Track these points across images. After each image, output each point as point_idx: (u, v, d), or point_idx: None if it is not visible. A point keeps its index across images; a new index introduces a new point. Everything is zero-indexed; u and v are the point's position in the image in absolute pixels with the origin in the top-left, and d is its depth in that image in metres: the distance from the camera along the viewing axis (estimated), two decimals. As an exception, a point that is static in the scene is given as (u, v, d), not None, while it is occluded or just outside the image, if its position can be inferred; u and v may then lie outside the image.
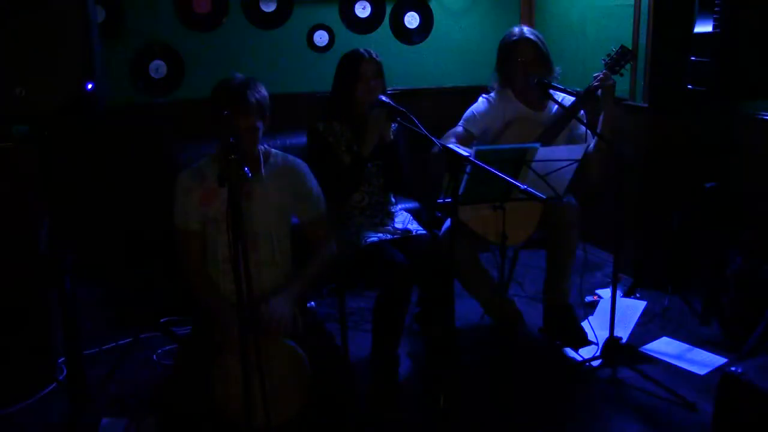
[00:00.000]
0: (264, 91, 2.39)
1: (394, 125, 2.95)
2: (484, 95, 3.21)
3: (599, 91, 3.00)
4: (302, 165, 2.55)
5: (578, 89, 3.05)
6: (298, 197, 2.51)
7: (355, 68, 2.80)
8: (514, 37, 3.09)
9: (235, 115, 2.28)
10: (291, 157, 2.55)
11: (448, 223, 3.09)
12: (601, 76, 2.97)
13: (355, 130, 2.86)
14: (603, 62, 3.02)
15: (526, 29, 3.11)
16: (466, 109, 3.20)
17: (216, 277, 2.42)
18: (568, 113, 3.03)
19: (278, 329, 2.22)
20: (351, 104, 2.83)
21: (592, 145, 3.08)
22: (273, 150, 2.53)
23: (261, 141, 2.43)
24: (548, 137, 3.02)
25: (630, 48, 3.01)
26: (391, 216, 2.99)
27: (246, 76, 2.39)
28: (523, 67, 3.06)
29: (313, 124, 2.88)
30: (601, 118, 3.05)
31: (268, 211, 2.43)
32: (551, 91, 3.02)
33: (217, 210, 2.33)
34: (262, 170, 2.43)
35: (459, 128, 3.12)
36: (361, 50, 2.85)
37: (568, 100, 3.10)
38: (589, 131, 3.11)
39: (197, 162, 2.49)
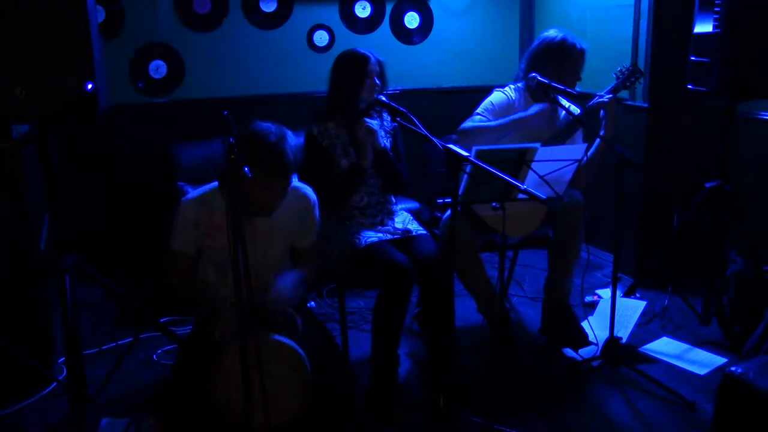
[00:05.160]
0: (293, 140, 2.33)
1: (389, 126, 2.96)
2: (498, 88, 3.19)
3: (602, 112, 3.01)
4: (311, 195, 2.53)
5: (579, 90, 3.05)
6: (303, 226, 2.52)
7: (361, 68, 2.81)
8: (578, 47, 3.04)
9: (274, 178, 2.25)
10: (302, 189, 2.52)
11: (448, 211, 3.08)
12: (605, 101, 2.98)
13: (351, 130, 2.87)
14: (614, 76, 3.03)
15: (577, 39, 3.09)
16: (468, 107, 3.18)
17: (218, 284, 2.43)
18: (578, 122, 3.03)
19: (280, 311, 2.23)
20: (353, 103, 2.84)
21: (588, 155, 3.08)
22: None
23: None
24: (557, 142, 3.03)
25: (636, 63, 3.01)
26: (391, 216, 2.99)
27: (277, 128, 2.29)
28: (575, 78, 3.06)
29: (308, 128, 2.88)
30: (601, 131, 3.05)
31: (274, 248, 2.44)
32: (559, 97, 3.02)
33: (221, 241, 2.29)
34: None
35: (477, 116, 3.07)
36: (362, 50, 2.86)
37: (574, 110, 3.13)
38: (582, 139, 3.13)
39: (201, 190, 2.43)
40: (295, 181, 2.49)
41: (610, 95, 3.02)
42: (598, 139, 3.05)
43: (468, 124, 3.03)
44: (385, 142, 2.93)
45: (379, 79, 2.83)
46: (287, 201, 2.44)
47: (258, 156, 2.18)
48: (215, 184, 2.40)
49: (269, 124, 2.30)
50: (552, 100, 3.00)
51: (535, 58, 3.09)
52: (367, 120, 2.79)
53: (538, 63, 3.07)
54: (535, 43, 3.14)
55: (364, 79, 2.80)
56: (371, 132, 2.78)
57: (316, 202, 2.55)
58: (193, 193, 2.44)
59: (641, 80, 3.12)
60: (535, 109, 3.01)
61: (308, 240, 2.56)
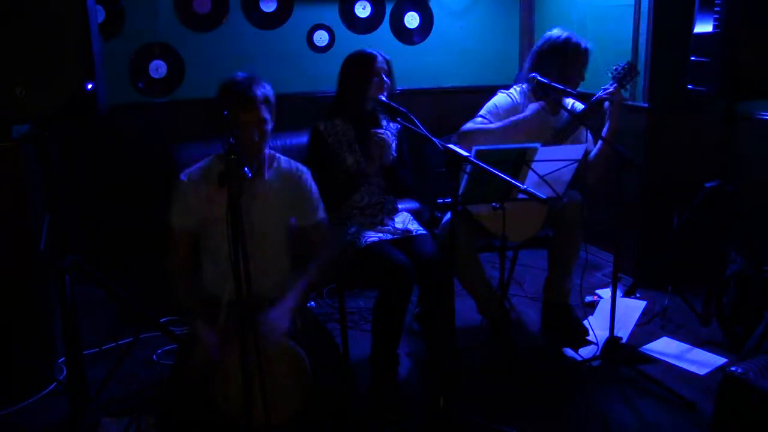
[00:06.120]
0: (270, 88, 2.40)
1: (394, 128, 2.97)
2: (502, 90, 3.19)
3: (606, 103, 3.01)
4: (304, 170, 2.55)
5: (579, 90, 3.05)
6: (298, 201, 2.51)
7: (370, 66, 2.82)
8: (583, 46, 3.05)
9: (242, 110, 2.29)
10: (294, 162, 2.55)
11: (448, 215, 3.08)
12: (611, 90, 2.99)
13: (358, 127, 2.88)
14: (610, 75, 3.03)
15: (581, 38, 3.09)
16: (468, 107, 3.18)
17: (215, 276, 2.42)
18: (577, 120, 3.03)
19: (274, 339, 2.23)
20: (361, 102, 2.85)
21: (594, 152, 3.09)
22: (277, 154, 2.54)
23: (269, 139, 2.41)
24: (557, 141, 3.03)
25: (634, 62, 3.00)
26: (391, 216, 2.99)
27: (248, 73, 2.39)
28: (579, 78, 3.06)
29: (315, 124, 2.90)
30: (606, 126, 3.05)
31: (268, 214, 2.43)
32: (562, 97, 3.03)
33: (222, 208, 2.33)
34: (266, 173, 2.43)
35: (479, 118, 3.07)
36: (369, 50, 2.87)
37: (578, 106, 3.13)
38: (590, 137, 3.12)
39: (200, 162, 2.48)
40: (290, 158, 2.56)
41: (615, 84, 3.01)
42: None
43: (469, 125, 3.03)
44: (392, 144, 2.94)
45: (387, 77, 2.85)
46: (278, 172, 2.47)
47: (226, 94, 2.31)
48: (210, 156, 2.48)
49: (242, 73, 2.40)
50: (553, 100, 3.00)
51: (539, 58, 3.09)
52: (380, 131, 2.79)
53: (542, 62, 3.07)
54: (539, 42, 3.14)
55: (372, 77, 2.82)
56: (382, 144, 2.77)
57: (310, 177, 2.55)
58: (189, 168, 2.48)
59: (637, 78, 3.12)
60: (530, 110, 3.01)
61: (312, 216, 2.54)
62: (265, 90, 2.36)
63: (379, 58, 2.86)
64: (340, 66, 2.92)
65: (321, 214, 2.57)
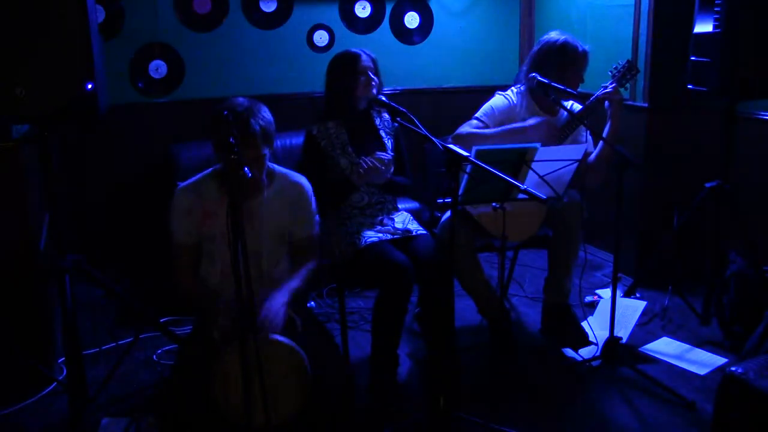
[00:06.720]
0: (268, 115, 2.35)
1: (389, 125, 2.96)
2: (500, 92, 3.18)
3: (606, 103, 3.01)
4: (305, 184, 2.53)
5: (580, 90, 3.05)
6: (298, 214, 2.51)
7: (354, 65, 2.82)
8: (581, 49, 3.04)
9: (242, 146, 2.24)
10: (295, 176, 2.53)
11: (448, 213, 3.08)
12: (610, 90, 2.99)
13: (351, 129, 2.87)
14: (609, 74, 3.03)
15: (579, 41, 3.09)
16: (468, 107, 3.18)
17: (214, 278, 2.42)
18: (576, 119, 3.02)
19: (271, 325, 2.23)
20: (351, 102, 2.85)
21: (594, 154, 3.08)
22: (277, 169, 2.51)
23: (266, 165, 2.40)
24: (556, 141, 3.03)
25: (634, 62, 3.00)
26: (391, 216, 2.99)
27: (249, 100, 2.34)
28: (579, 80, 3.06)
29: (308, 128, 2.90)
30: (607, 126, 3.05)
31: (270, 232, 2.43)
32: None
33: (217, 227, 2.34)
34: (265, 193, 2.42)
35: (475, 120, 3.07)
36: (354, 50, 2.87)
37: (576, 107, 3.13)
38: (590, 138, 3.12)
39: (195, 177, 2.46)
40: (290, 171, 2.53)
41: (614, 84, 3.01)
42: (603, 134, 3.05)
43: (464, 129, 3.02)
44: (387, 143, 2.94)
45: (374, 75, 2.84)
46: (278, 186, 2.47)
47: (224, 127, 2.18)
48: (208, 171, 2.44)
49: (242, 98, 2.33)
50: (553, 100, 3.00)
51: (537, 61, 3.08)
52: (366, 159, 2.76)
53: (541, 66, 3.05)
54: (537, 46, 3.13)
55: (358, 77, 2.81)
56: (367, 173, 2.75)
57: (311, 190, 2.54)
58: (186, 181, 2.47)
59: (637, 77, 3.12)
60: (533, 121, 3.01)
61: (306, 231, 2.53)
62: (264, 122, 2.32)
63: (364, 56, 2.85)
64: (326, 69, 2.91)
65: (315, 228, 2.57)
